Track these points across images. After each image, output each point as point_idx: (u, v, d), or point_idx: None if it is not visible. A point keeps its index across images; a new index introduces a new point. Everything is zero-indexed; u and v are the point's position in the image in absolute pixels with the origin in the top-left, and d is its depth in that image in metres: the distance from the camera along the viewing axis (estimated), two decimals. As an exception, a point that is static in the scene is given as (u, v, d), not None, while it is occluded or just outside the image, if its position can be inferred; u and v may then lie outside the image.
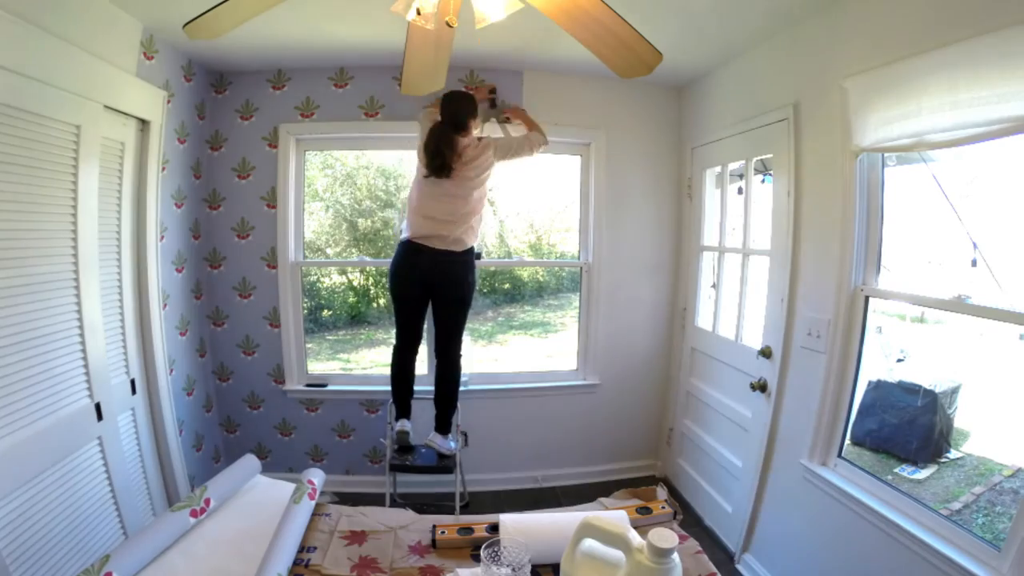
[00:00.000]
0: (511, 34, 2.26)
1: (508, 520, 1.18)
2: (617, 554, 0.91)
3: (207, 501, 1.36)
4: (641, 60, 1.29)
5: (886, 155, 1.75)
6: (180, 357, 2.51)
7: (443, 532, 1.22)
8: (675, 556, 0.86)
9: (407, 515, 1.36)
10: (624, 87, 2.83)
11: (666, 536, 0.86)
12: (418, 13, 1.05)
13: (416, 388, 2.70)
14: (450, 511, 2.51)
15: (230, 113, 2.73)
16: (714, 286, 2.84)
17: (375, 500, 2.75)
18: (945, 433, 2.15)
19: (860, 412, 2.08)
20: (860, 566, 1.73)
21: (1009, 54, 1.27)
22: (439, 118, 2.26)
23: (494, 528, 1.20)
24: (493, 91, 2.69)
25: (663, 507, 1.31)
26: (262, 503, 1.43)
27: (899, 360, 2.37)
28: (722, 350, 2.62)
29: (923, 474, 2.06)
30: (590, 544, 0.96)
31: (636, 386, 3.12)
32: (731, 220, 2.66)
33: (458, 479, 2.56)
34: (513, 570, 0.93)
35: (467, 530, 1.23)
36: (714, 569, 1.11)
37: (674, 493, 2.98)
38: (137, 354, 2.21)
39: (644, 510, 1.30)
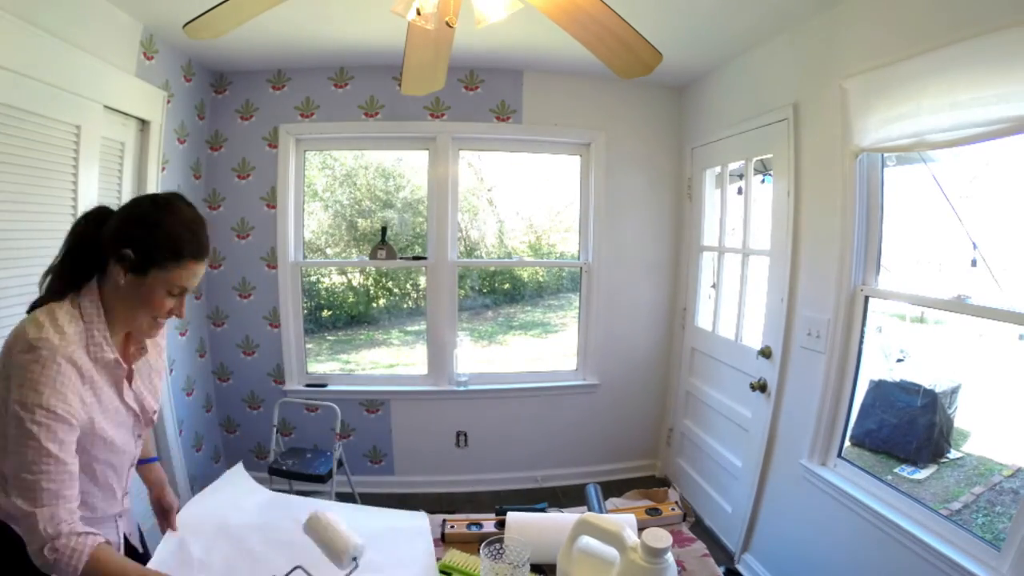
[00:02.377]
0: (511, 34, 2.26)
1: (513, 518, 1.18)
2: (614, 552, 0.91)
3: None
4: (641, 60, 1.29)
5: (886, 155, 1.75)
6: (180, 357, 2.51)
7: (452, 527, 1.24)
8: (669, 556, 0.86)
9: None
10: (624, 87, 2.83)
11: (660, 536, 0.85)
12: (418, 13, 1.05)
13: (404, 389, 2.69)
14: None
15: (230, 113, 2.73)
16: (714, 286, 2.85)
17: (374, 500, 2.76)
18: (945, 433, 2.15)
19: (860, 412, 2.08)
20: (860, 566, 1.73)
21: (1009, 54, 1.27)
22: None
23: (503, 524, 1.20)
24: None
25: (673, 508, 1.31)
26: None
27: (899, 360, 2.37)
28: (722, 350, 2.62)
29: (923, 474, 2.06)
30: (587, 541, 0.96)
31: (636, 386, 3.12)
32: (731, 220, 2.66)
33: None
34: (514, 567, 0.93)
35: (476, 525, 1.25)
36: (719, 573, 1.11)
37: (674, 493, 2.98)
38: (137, 354, 2.20)
39: (654, 511, 1.30)
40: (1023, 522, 1.28)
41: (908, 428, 2.16)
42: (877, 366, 2.25)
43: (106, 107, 1.90)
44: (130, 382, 1.03)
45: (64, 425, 0.84)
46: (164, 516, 1.13)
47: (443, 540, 1.22)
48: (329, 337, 3.73)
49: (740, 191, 2.56)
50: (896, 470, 2.11)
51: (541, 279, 4.09)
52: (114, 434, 0.98)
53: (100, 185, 1.91)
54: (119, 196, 2.08)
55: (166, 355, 1.22)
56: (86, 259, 0.96)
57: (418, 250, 3.18)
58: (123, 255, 0.92)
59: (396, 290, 3.90)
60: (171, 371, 2.40)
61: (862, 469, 1.82)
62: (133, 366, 1.04)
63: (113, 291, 0.95)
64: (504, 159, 3.29)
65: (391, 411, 2.94)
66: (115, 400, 0.99)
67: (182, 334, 2.56)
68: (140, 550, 1.20)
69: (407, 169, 3.40)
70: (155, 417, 1.12)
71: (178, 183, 2.48)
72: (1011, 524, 1.33)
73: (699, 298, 2.90)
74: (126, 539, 1.14)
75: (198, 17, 1.14)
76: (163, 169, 2.31)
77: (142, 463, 1.18)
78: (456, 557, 1.13)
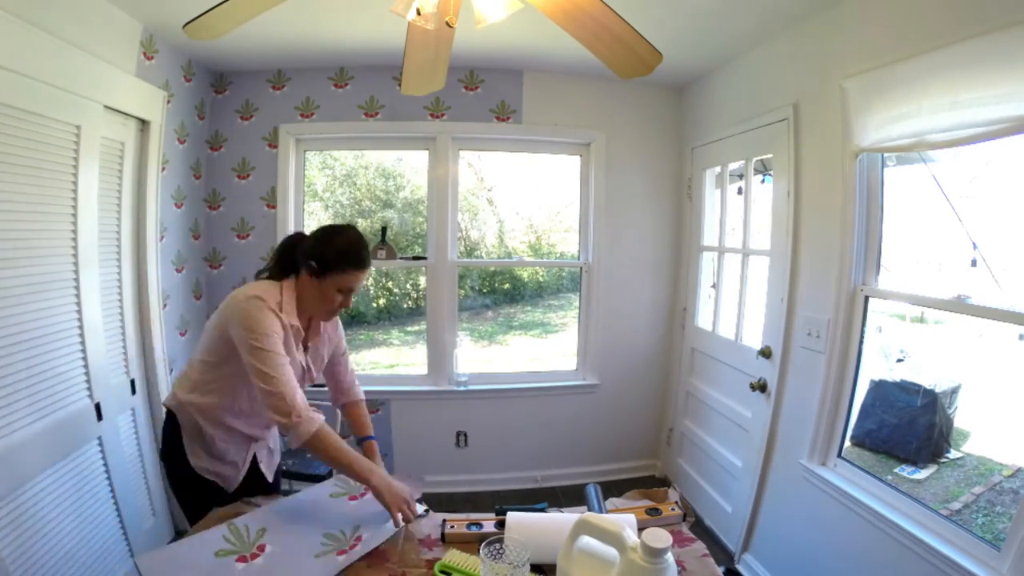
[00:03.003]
0: (511, 34, 2.26)
1: (513, 518, 1.18)
2: (614, 552, 0.91)
3: (358, 539, 1.21)
4: (641, 60, 1.29)
5: (886, 155, 1.75)
6: (180, 357, 2.51)
7: (452, 527, 1.24)
8: (669, 556, 0.86)
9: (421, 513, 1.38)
10: (624, 87, 2.83)
11: (660, 536, 0.85)
12: (418, 13, 1.05)
13: (404, 389, 2.68)
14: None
15: (230, 113, 2.73)
16: (714, 286, 2.84)
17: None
18: (945, 433, 2.15)
19: (860, 412, 2.08)
20: (860, 566, 1.73)
21: (1009, 54, 1.27)
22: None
23: (503, 524, 1.20)
24: None
25: (673, 508, 1.31)
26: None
27: (899, 360, 2.37)
28: (722, 350, 2.62)
29: (923, 474, 2.06)
30: (587, 541, 0.96)
31: (636, 386, 3.12)
32: (731, 220, 2.66)
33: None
34: (514, 567, 0.93)
35: (476, 525, 1.24)
36: (719, 573, 1.11)
37: (674, 493, 2.98)
38: (137, 354, 2.21)
39: (654, 511, 1.30)
40: (1023, 522, 1.28)
41: (908, 428, 2.16)
42: (877, 366, 2.25)
43: (106, 107, 1.90)
44: (306, 347, 1.45)
45: (278, 340, 1.27)
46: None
47: (443, 540, 1.22)
48: (329, 337, 3.73)
49: (740, 191, 2.56)
50: (896, 470, 2.11)
51: (541, 279, 4.09)
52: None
53: (100, 185, 1.91)
54: (119, 196, 2.08)
55: (335, 342, 1.59)
56: (287, 264, 1.42)
57: (418, 250, 3.18)
58: (309, 265, 1.35)
59: (396, 290, 3.90)
60: (171, 371, 2.40)
61: (862, 469, 1.82)
62: (311, 341, 1.47)
63: (304, 288, 1.39)
64: (504, 159, 3.29)
65: (391, 411, 2.94)
66: (292, 350, 1.36)
67: (182, 334, 2.56)
68: (269, 479, 1.54)
69: (407, 169, 3.41)
70: (315, 377, 1.51)
71: (178, 183, 2.48)
72: (1011, 524, 1.33)
73: (699, 298, 2.90)
74: (255, 461, 1.50)
75: (198, 17, 1.14)
76: (163, 169, 2.31)
77: (361, 440, 1.58)
78: (456, 557, 1.13)
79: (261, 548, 1.14)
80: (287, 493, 1.46)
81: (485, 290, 3.86)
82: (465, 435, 3.00)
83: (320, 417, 1.25)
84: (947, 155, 1.78)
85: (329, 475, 2.40)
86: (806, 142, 2.02)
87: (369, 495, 1.30)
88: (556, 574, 0.98)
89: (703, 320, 2.86)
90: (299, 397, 1.24)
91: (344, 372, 1.64)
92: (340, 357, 1.62)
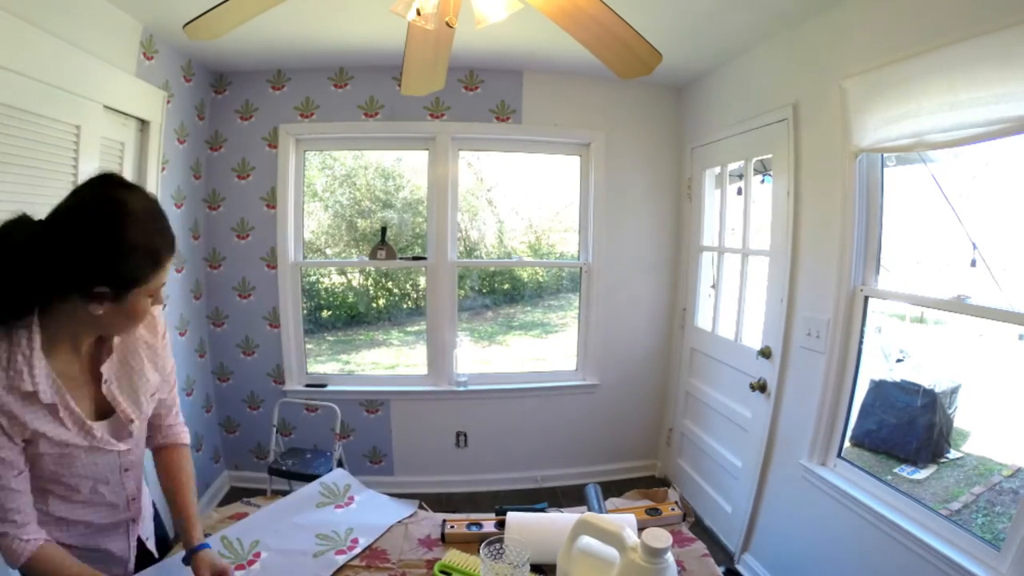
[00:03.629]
0: (511, 34, 2.26)
1: (513, 518, 1.18)
2: (614, 552, 0.91)
3: (354, 540, 1.23)
4: (640, 60, 1.29)
5: (886, 155, 1.75)
6: (180, 357, 2.51)
7: (452, 527, 1.24)
8: (669, 556, 0.86)
9: (420, 513, 1.38)
10: (624, 87, 2.83)
11: (660, 536, 0.85)
12: (418, 13, 1.05)
13: (404, 389, 2.68)
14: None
15: (230, 113, 2.73)
16: (714, 286, 2.85)
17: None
18: (945, 433, 2.15)
19: (860, 412, 2.08)
20: (860, 566, 1.73)
21: (1009, 54, 1.27)
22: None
23: (502, 524, 1.20)
24: None
25: (673, 508, 1.31)
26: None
27: (899, 360, 2.37)
28: (722, 350, 2.62)
29: (923, 474, 2.06)
30: (587, 541, 0.96)
31: (636, 386, 3.12)
32: (731, 220, 2.66)
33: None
34: (514, 567, 0.93)
35: (476, 525, 1.25)
36: (719, 573, 1.11)
37: (674, 493, 2.98)
38: (137, 354, 2.20)
39: (654, 511, 1.30)
40: (1023, 522, 1.28)
41: (908, 428, 2.16)
42: (877, 366, 2.26)
43: (106, 107, 1.90)
44: (97, 377, 0.96)
45: None
46: None
47: (443, 540, 1.22)
48: (329, 337, 3.73)
49: (740, 191, 2.56)
50: (896, 470, 2.11)
51: (541, 279, 4.09)
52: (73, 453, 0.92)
53: (100, 185, 1.91)
54: (119, 196, 2.08)
55: (162, 353, 1.17)
56: (19, 292, 0.84)
57: (418, 250, 3.18)
58: (96, 293, 0.82)
59: (396, 290, 3.90)
60: (171, 371, 2.39)
61: (862, 469, 1.82)
62: (105, 371, 0.97)
63: (74, 321, 0.88)
64: (504, 159, 3.29)
65: (391, 411, 2.95)
66: (54, 427, 0.88)
67: (182, 334, 2.56)
68: (156, 556, 1.17)
69: (407, 169, 3.40)
70: (134, 423, 1.01)
71: (178, 183, 2.48)
72: (1011, 524, 1.33)
73: (699, 298, 2.90)
74: (141, 544, 1.14)
75: (198, 17, 1.14)
76: (163, 169, 2.31)
77: (191, 553, 1.00)
78: (456, 557, 1.13)
79: (256, 555, 1.15)
80: (284, 493, 1.46)
81: (485, 290, 3.85)
82: (465, 435, 3.00)
83: (36, 539, 0.85)
84: (947, 155, 1.78)
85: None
86: (806, 142, 2.02)
87: (355, 502, 1.34)
88: (556, 574, 0.98)
89: (703, 320, 2.86)
90: (13, 503, 0.83)
91: (165, 399, 1.21)
92: (166, 379, 1.19)
